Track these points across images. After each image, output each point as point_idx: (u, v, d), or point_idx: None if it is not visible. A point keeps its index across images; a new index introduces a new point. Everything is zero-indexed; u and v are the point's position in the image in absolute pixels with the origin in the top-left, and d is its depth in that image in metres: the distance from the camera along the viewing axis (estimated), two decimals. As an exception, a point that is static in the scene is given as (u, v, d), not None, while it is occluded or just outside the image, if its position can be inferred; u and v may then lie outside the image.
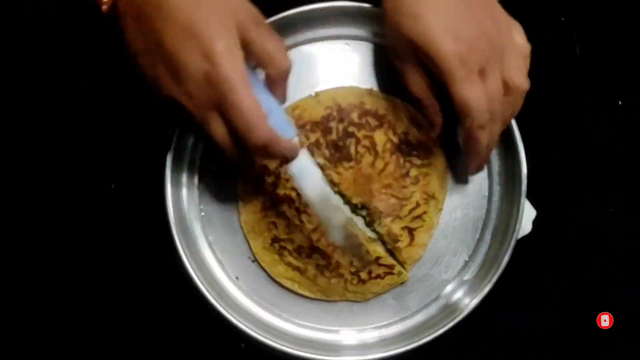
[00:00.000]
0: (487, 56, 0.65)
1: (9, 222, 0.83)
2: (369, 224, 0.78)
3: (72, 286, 0.82)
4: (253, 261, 0.79)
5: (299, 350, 0.74)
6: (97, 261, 0.83)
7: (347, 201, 0.78)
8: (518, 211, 0.76)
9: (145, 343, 0.82)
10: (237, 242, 0.80)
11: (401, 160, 0.78)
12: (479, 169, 0.77)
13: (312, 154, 0.78)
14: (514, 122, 0.76)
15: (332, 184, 0.78)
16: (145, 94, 0.77)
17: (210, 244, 0.80)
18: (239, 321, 0.74)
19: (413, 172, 0.78)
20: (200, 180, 0.80)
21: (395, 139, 0.78)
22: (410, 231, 0.78)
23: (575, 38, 0.89)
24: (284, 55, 0.64)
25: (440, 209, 0.79)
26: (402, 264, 0.79)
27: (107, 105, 0.84)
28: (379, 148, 0.78)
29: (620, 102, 0.89)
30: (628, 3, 0.90)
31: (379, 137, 0.78)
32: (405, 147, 0.78)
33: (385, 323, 0.79)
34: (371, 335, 0.79)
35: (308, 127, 0.78)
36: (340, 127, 0.78)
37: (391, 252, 0.79)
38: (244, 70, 0.58)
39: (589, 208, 0.86)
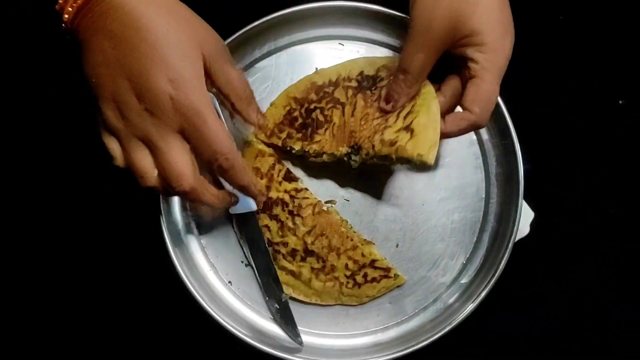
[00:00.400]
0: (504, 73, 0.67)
1: (5, 227, 0.83)
2: (367, 157, 0.73)
3: (66, 293, 0.82)
4: (246, 265, 0.78)
5: (293, 355, 0.73)
6: (90, 265, 0.82)
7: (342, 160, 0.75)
8: (516, 213, 0.75)
9: (139, 347, 0.82)
10: (230, 246, 0.79)
11: (368, 94, 0.75)
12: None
13: (289, 148, 0.77)
14: (511, 124, 0.76)
15: (317, 155, 0.76)
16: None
17: (203, 248, 0.79)
18: (232, 326, 0.74)
19: (383, 105, 0.73)
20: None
21: (354, 84, 0.76)
22: (407, 128, 0.70)
23: (575, 37, 0.88)
24: (244, 83, 0.66)
25: (434, 97, 0.70)
26: (414, 161, 0.69)
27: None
28: (342, 99, 0.76)
29: (620, 102, 0.88)
30: (627, 2, 0.89)
31: (339, 92, 0.77)
32: (366, 83, 0.76)
33: (381, 327, 0.78)
34: (367, 339, 0.78)
35: (276, 130, 0.78)
36: (303, 110, 0.77)
37: (399, 160, 0.70)
38: (208, 98, 0.59)
39: (587, 210, 0.85)
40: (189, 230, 0.79)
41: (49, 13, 0.60)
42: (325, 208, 0.77)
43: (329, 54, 0.81)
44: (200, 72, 0.60)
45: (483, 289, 0.74)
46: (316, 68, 0.79)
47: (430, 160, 0.68)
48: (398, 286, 0.78)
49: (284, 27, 0.79)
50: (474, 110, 0.66)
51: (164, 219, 0.75)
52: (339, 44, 0.81)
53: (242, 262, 0.78)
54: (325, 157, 0.76)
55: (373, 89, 0.75)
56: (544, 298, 0.83)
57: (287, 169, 0.78)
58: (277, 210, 0.77)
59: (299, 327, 0.77)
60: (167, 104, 0.58)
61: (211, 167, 0.61)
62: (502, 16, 0.65)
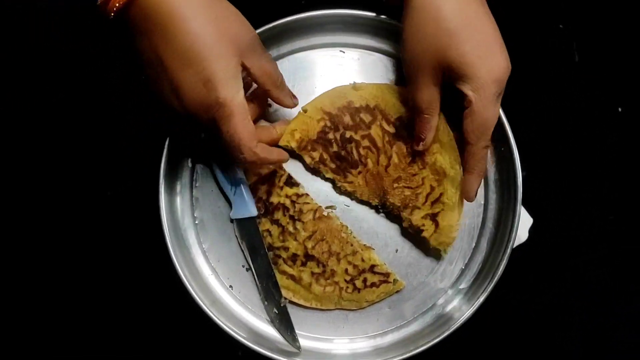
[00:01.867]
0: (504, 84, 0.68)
1: (8, 227, 0.83)
2: (396, 216, 0.78)
3: (68, 295, 0.82)
4: (247, 270, 0.79)
5: (291, 359, 0.74)
6: (91, 269, 0.83)
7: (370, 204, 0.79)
8: (514, 219, 0.76)
9: (140, 351, 0.82)
10: (231, 250, 0.79)
11: (403, 149, 0.77)
12: (476, 191, 0.75)
13: (320, 171, 0.78)
14: (509, 131, 0.76)
15: (347, 194, 0.79)
16: (140, 106, 0.79)
17: (204, 252, 0.80)
18: (233, 329, 0.74)
19: (418, 159, 0.77)
20: (194, 188, 0.80)
21: (391, 129, 0.77)
22: (433, 217, 0.77)
23: (574, 45, 0.89)
24: (276, 72, 0.70)
25: (458, 187, 0.77)
26: (436, 249, 0.78)
27: (103, 115, 0.85)
28: (379, 143, 0.77)
29: (620, 109, 0.88)
30: (626, 10, 0.90)
31: (376, 132, 0.78)
32: (403, 133, 0.77)
33: (380, 332, 0.79)
34: (366, 344, 0.78)
35: (309, 147, 0.78)
36: (338, 135, 0.78)
37: (421, 242, 0.78)
38: (240, 98, 0.64)
39: (585, 216, 0.85)
40: (190, 235, 0.79)
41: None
42: (325, 213, 0.78)
43: (330, 61, 0.82)
44: (235, 70, 0.63)
45: (481, 294, 0.74)
46: (354, 82, 0.80)
47: (446, 252, 0.78)
48: (397, 291, 0.78)
49: (286, 35, 0.79)
50: (471, 139, 0.70)
51: (166, 223, 0.75)
52: (340, 51, 0.82)
53: (243, 266, 0.79)
54: (353, 198, 0.79)
55: (409, 142, 0.77)
56: (542, 304, 0.84)
57: (289, 174, 0.78)
58: (278, 214, 0.77)
59: (298, 331, 0.77)
60: (198, 103, 0.62)
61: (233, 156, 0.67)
62: (483, 41, 0.66)
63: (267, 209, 0.78)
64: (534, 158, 0.82)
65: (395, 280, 0.77)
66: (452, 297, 0.79)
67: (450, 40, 0.65)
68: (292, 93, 0.74)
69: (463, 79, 0.67)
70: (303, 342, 0.77)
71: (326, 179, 0.80)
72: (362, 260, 0.77)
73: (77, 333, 0.82)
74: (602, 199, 0.86)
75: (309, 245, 0.77)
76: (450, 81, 0.68)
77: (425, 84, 0.69)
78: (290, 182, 0.78)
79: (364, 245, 0.78)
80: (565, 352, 0.83)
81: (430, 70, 0.68)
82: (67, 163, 0.84)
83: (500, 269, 0.74)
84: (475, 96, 0.67)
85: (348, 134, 0.78)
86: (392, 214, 0.78)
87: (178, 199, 0.79)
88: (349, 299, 0.78)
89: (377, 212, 0.80)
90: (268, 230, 0.78)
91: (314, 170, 0.79)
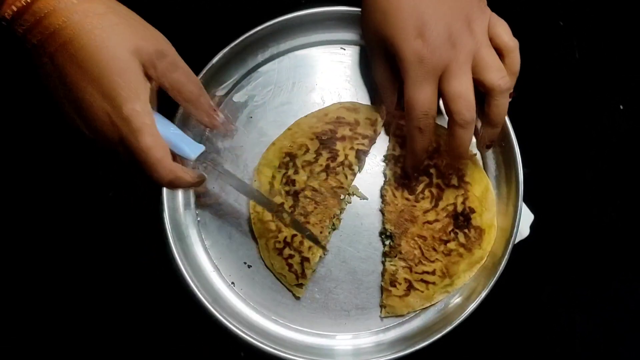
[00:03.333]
0: (452, 59, 0.65)
1: (10, 228, 0.84)
2: (385, 254, 0.79)
3: (70, 294, 0.82)
4: (249, 266, 0.79)
5: (295, 356, 0.74)
6: (95, 267, 0.82)
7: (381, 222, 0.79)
8: (515, 215, 0.76)
9: (142, 349, 0.82)
10: (232, 247, 0.79)
11: (450, 228, 0.77)
12: (412, 168, 0.76)
13: (387, 164, 0.79)
14: (510, 126, 0.76)
15: (382, 198, 0.79)
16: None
17: (206, 250, 0.80)
18: (235, 326, 0.74)
19: (451, 245, 0.77)
20: (196, 185, 0.80)
21: (460, 209, 0.78)
22: (410, 287, 0.77)
23: (575, 42, 0.89)
24: (190, 84, 0.65)
25: (448, 293, 0.78)
26: (382, 306, 0.78)
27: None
28: (442, 204, 0.78)
29: (621, 107, 0.88)
30: (627, 7, 0.90)
31: (449, 196, 0.78)
32: (462, 221, 0.77)
33: (382, 328, 0.79)
34: (368, 340, 0.78)
35: (400, 141, 0.79)
36: (425, 162, 0.78)
37: (380, 289, 0.79)
38: (146, 110, 0.59)
39: (587, 212, 0.85)
40: (192, 232, 0.79)
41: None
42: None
43: (330, 58, 0.82)
44: (138, 82, 0.59)
45: (483, 290, 0.74)
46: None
47: (383, 313, 0.79)
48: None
49: (286, 31, 0.80)
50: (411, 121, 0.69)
51: (167, 220, 0.76)
52: (341, 48, 0.82)
53: (245, 263, 0.79)
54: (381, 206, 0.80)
55: (457, 230, 0.78)
56: (544, 300, 0.83)
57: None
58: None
59: (299, 327, 0.78)
60: (106, 122, 0.59)
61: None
62: (410, 20, 0.65)
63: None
64: (535, 155, 0.82)
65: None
66: (455, 292, 0.79)
67: (384, 17, 0.66)
68: (214, 111, 0.68)
69: (396, 58, 0.67)
70: (306, 339, 0.78)
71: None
72: None
73: (79, 332, 0.82)
74: (603, 195, 0.86)
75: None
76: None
77: (374, 63, 0.72)
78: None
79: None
80: (567, 347, 0.82)
81: (377, 49, 0.70)
82: (71, 164, 0.84)
83: (502, 265, 0.74)
84: (402, 72, 0.66)
85: (432, 170, 0.78)
86: (386, 247, 0.79)
87: (180, 197, 0.79)
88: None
89: (381, 234, 0.80)
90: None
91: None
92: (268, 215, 0.77)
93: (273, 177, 0.78)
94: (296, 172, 0.78)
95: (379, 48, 0.70)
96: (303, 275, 0.77)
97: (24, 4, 0.56)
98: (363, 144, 0.78)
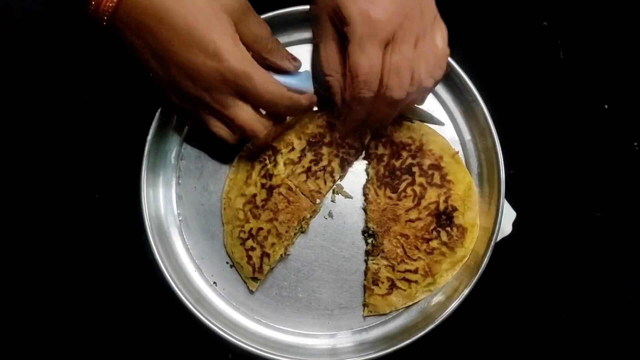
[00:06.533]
0: (398, 32, 0.64)
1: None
2: (368, 253, 0.79)
3: (55, 296, 0.82)
4: (231, 266, 0.79)
5: (278, 356, 0.74)
6: (73, 267, 0.82)
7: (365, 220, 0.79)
8: (497, 212, 0.76)
9: (124, 352, 0.82)
10: (215, 247, 0.79)
11: (432, 227, 0.77)
12: (343, 137, 0.77)
13: (370, 162, 0.79)
14: (491, 124, 0.77)
15: (365, 197, 0.79)
16: (121, 106, 0.79)
17: (187, 249, 0.79)
18: (218, 327, 0.74)
19: (433, 244, 0.77)
20: (177, 185, 0.80)
21: (442, 207, 0.77)
22: (393, 286, 0.77)
23: (559, 42, 0.89)
24: (269, 36, 0.69)
25: (430, 291, 0.78)
26: (364, 305, 0.78)
27: (87, 117, 0.85)
28: (424, 203, 0.77)
29: (605, 106, 0.88)
30: (611, 7, 0.90)
31: (431, 194, 0.78)
32: (444, 220, 0.77)
33: (365, 327, 0.78)
34: (351, 339, 0.78)
35: (383, 140, 0.79)
36: (408, 160, 0.78)
37: (364, 288, 0.79)
38: (249, 57, 0.64)
39: (568, 209, 0.85)
40: (174, 232, 0.79)
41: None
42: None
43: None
44: (234, 37, 0.64)
45: (465, 289, 0.74)
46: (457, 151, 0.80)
47: (366, 312, 0.79)
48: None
49: (277, 29, 0.78)
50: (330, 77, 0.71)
51: (148, 220, 0.75)
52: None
53: (227, 262, 0.79)
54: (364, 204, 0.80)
55: (439, 229, 0.78)
56: (526, 297, 0.83)
57: None
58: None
59: (283, 327, 0.78)
60: (214, 78, 0.63)
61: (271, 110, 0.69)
62: None
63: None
64: (519, 153, 0.82)
65: None
66: (437, 291, 0.78)
67: None
68: (290, 56, 0.72)
69: (342, 19, 0.65)
70: (289, 338, 0.78)
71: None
72: None
73: (61, 332, 0.82)
74: (584, 193, 0.86)
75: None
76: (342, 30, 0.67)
77: (322, 43, 0.70)
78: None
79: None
80: (551, 345, 0.82)
81: (324, 25, 0.69)
82: (59, 168, 0.84)
83: (484, 262, 0.74)
84: (348, 34, 0.65)
85: (414, 169, 0.78)
86: (368, 245, 0.79)
87: (161, 197, 0.79)
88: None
89: (363, 233, 0.80)
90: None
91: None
92: (239, 204, 0.77)
93: (252, 166, 0.78)
94: (275, 167, 0.77)
95: (331, 25, 0.68)
96: (260, 270, 0.76)
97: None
98: (349, 154, 0.78)
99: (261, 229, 0.76)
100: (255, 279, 0.77)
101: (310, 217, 0.78)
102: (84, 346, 0.82)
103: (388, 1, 0.64)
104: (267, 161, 0.78)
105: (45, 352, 0.82)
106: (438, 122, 0.80)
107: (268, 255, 0.76)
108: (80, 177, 0.84)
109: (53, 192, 0.84)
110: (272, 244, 0.76)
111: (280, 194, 0.77)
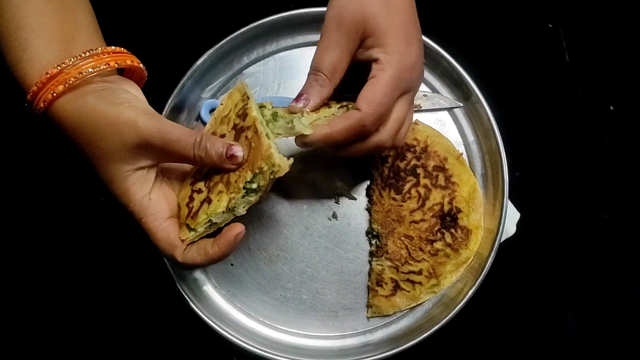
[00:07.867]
0: (409, 86, 0.66)
1: (3, 234, 0.84)
2: (372, 254, 0.79)
3: (62, 299, 0.82)
4: (232, 265, 0.79)
5: (282, 357, 0.74)
6: (85, 272, 0.82)
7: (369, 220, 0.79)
8: (501, 213, 0.76)
9: (130, 353, 0.82)
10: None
11: (436, 228, 0.77)
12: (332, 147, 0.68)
13: (374, 164, 0.79)
14: (495, 125, 0.77)
15: (369, 198, 0.79)
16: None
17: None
18: (222, 327, 0.74)
19: (437, 245, 0.77)
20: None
21: (446, 208, 0.78)
22: (397, 287, 0.77)
23: (565, 45, 0.89)
24: (191, 146, 0.61)
25: (434, 293, 0.78)
26: (368, 306, 0.78)
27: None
28: (428, 204, 0.78)
29: (611, 108, 0.88)
30: (616, 8, 0.90)
31: (435, 196, 0.78)
32: (448, 221, 0.78)
33: (370, 328, 0.78)
34: (356, 340, 0.78)
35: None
36: (413, 162, 0.79)
37: (368, 289, 0.79)
38: (144, 201, 0.62)
39: (572, 210, 0.85)
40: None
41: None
42: None
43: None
44: (127, 174, 0.61)
45: (470, 288, 0.74)
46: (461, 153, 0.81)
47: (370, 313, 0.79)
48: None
49: (272, 33, 0.80)
50: (362, 107, 0.62)
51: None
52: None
53: (232, 264, 0.79)
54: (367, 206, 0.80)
55: (443, 230, 0.78)
56: (530, 298, 0.83)
57: None
58: None
59: (287, 328, 0.78)
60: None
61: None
62: (409, 24, 0.65)
63: None
64: (525, 155, 0.82)
65: None
66: (441, 291, 0.78)
67: (384, 9, 0.64)
68: (227, 155, 0.62)
69: (383, 50, 0.64)
70: (291, 340, 0.78)
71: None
72: None
73: (70, 334, 0.82)
74: (591, 196, 0.86)
75: None
76: (366, 53, 0.65)
77: (338, 43, 0.65)
78: None
79: None
80: (554, 345, 0.82)
81: (352, 31, 0.64)
82: (66, 172, 0.84)
83: (489, 263, 0.74)
84: (386, 68, 0.63)
85: (419, 171, 0.79)
86: (372, 246, 0.79)
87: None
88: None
89: (368, 234, 0.80)
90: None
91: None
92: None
93: (236, 105, 0.67)
94: (250, 108, 0.64)
95: (351, 33, 0.64)
96: (195, 215, 0.63)
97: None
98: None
99: (216, 173, 0.64)
100: (188, 226, 0.63)
101: (271, 175, 0.60)
102: (92, 349, 0.82)
103: (416, 39, 0.65)
104: (250, 100, 0.66)
105: (52, 352, 0.82)
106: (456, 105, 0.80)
107: (210, 201, 0.63)
108: (87, 181, 0.84)
109: (60, 196, 0.84)
110: (219, 192, 0.63)
111: (246, 137, 0.63)
